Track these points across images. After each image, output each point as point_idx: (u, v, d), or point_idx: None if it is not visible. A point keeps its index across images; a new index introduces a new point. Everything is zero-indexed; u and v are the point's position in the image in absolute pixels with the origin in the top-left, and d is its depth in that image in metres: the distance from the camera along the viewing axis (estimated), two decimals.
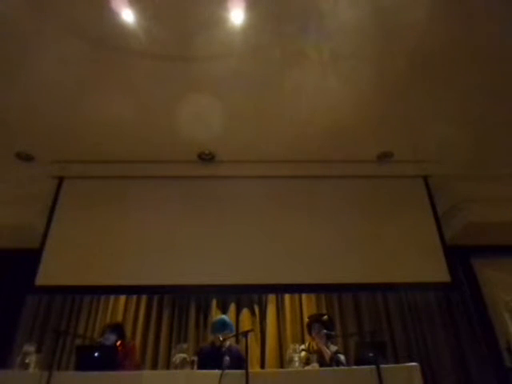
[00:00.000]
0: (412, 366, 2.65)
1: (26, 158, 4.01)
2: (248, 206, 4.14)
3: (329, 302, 4.01)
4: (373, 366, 2.47)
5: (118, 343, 3.18)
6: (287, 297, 4.00)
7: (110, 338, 3.18)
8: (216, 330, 3.18)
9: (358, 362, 2.79)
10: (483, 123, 3.70)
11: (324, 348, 3.03)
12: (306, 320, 3.53)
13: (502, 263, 4.42)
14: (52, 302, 3.96)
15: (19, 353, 2.77)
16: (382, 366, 2.47)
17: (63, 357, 3.61)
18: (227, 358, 2.69)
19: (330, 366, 2.88)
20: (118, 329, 3.30)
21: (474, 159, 4.14)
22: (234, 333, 3.27)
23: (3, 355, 3.47)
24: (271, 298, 4.01)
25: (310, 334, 3.28)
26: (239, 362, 2.91)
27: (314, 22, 2.78)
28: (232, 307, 3.90)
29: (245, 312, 3.89)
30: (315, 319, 3.28)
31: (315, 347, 3.11)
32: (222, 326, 3.18)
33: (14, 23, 2.73)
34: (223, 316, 3.45)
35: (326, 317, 3.32)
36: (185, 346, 2.87)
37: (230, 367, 2.60)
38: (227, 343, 3.07)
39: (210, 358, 2.83)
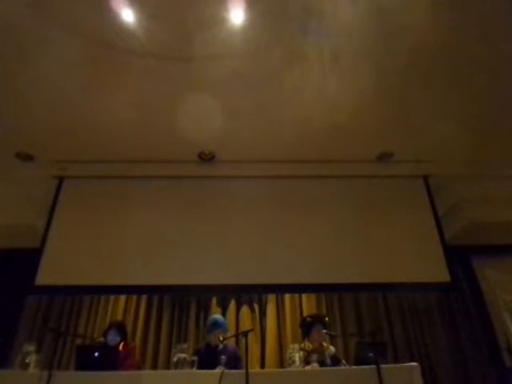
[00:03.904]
0: (412, 366, 2.65)
1: (25, 157, 4.00)
2: (248, 206, 4.14)
3: (329, 302, 4.02)
4: (373, 366, 2.48)
5: (122, 345, 3.18)
6: (287, 296, 4.01)
7: (116, 339, 3.18)
8: (208, 330, 3.19)
9: (358, 362, 2.79)
10: (483, 123, 3.69)
11: (325, 345, 3.04)
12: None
13: (502, 263, 4.42)
14: (52, 302, 3.96)
15: (19, 353, 2.77)
16: (382, 366, 2.47)
17: (63, 357, 3.62)
18: (223, 357, 2.69)
19: (331, 364, 2.88)
20: (121, 328, 3.31)
21: (474, 159, 4.14)
22: (228, 331, 3.28)
23: (3, 355, 3.48)
24: (271, 297, 4.01)
25: (306, 333, 3.26)
26: (235, 361, 2.91)
27: (314, 22, 2.78)
28: (232, 306, 3.91)
29: (245, 310, 3.89)
30: (318, 319, 3.28)
31: (310, 347, 3.11)
32: (213, 325, 3.19)
33: (14, 24, 2.73)
34: (215, 316, 3.45)
35: (327, 318, 3.35)
36: (185, 345, 2.87)
37: (226, 367, 2.60)
38: (221, 344, 3.07)
39: (205, 359, 2.83)
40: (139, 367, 3.34)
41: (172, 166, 4.22)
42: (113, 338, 3.19)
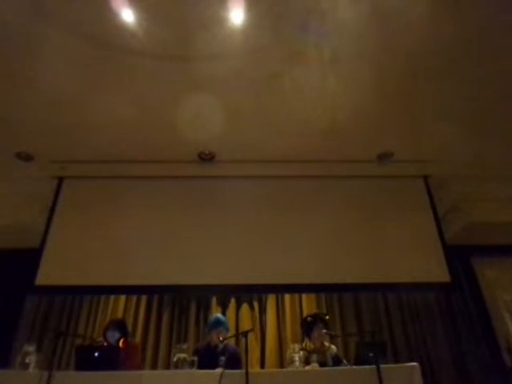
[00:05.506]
0: (412, 366, 2.64)
1: (26, 158, 4.00)
2: (248, 206, 4.14)
3: (329, 302, 4.01)
4: (373, 366, 2.47)
5: (122, 341, 3.17)
6: (287, 297, 4.00)
7: (115, 335, 3.18)
8: (210, 328, 3.19)
9: (358, 362, 2.78)
10: (483, 123, 3.70)
11: (327, 345, 3.04)
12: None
13: (502, 263, 4.42)
14: (52, 302, 3.96)
15: (19, 353, 2.77)
16: (381, 366, 2.47)
17: (63, 357, 3.61)
18: (222, 358, 2.69)
19: (333, 364, 2.88)
20: (121, 325, 3.30)
21: (474, 159, 4.14)
22: (229, 331, 3.27)
23: (3, 355, 3.47)
24: (271, 298, 4.01)
25: (307, 332, 3.25)
26: (235, 361, 2.90)
27: (314, 22, 2.78)
28: (232, 305, 3.90)
29: (245, 310, 3.89)
30: (320, 318, 3.27)
31: (312, 346, 3.11)
32: (216, 323, 3.18)
33: (15, 25, 2.73)
34: (217, 314, 3.45)
35: (327, 316, 3.33)
36: (185, 345, 2.86)
37: (226, 367, 2.60)
38: (222, 343, 3.06)
39: (205, 358, 2.82)
40: (140, 366, 3.33)
41: (172, 166, 4.22)
42: (112, 334, 3.19)
